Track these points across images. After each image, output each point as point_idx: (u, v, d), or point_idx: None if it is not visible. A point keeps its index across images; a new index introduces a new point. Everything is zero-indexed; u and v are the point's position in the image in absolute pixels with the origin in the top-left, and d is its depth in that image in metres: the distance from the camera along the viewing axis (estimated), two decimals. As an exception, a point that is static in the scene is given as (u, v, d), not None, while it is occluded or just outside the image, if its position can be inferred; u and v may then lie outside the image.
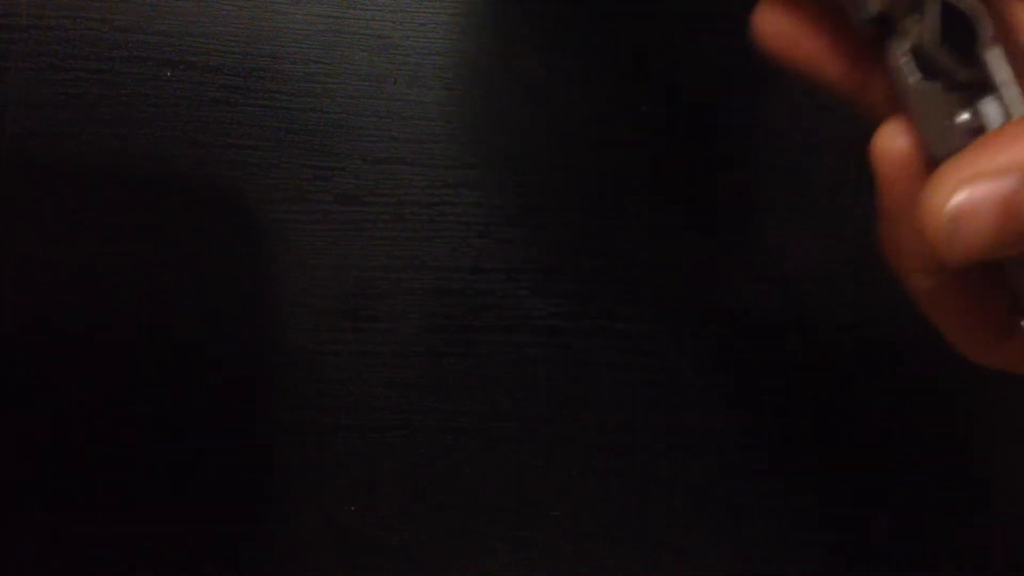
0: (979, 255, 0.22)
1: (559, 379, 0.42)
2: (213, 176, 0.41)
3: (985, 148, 0.23)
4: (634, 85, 0.43)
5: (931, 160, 0.24)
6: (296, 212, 0.41)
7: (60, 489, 0.40)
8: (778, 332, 0.42)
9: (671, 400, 0.42)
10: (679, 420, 0.42)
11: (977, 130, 0.24)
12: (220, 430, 0.41)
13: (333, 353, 0.41)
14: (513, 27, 0.43)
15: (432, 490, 0.41)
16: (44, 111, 0.41)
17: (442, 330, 0.42)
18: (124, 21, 0.42)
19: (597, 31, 0.43)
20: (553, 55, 0.43)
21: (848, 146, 0.43)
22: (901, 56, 0.24)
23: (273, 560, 0.41)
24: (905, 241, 0.25)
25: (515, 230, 0.42)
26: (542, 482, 0.41)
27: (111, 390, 0.41)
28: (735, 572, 0.42)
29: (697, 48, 0.44)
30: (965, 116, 0.24)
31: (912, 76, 0.24)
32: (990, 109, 0.24)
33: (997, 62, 0.23)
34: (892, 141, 0.24)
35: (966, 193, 0.22)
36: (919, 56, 0.24)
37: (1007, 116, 0.23)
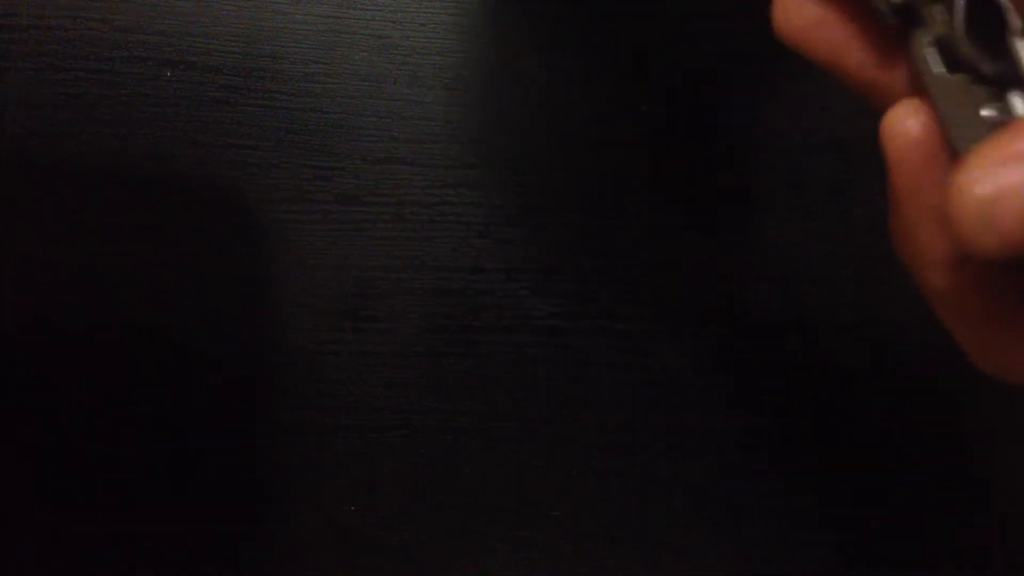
0: (1014, 242, 0.20)
1: (559, 379, 0.42)
2: (213, 176, 0.41)
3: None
4: (634, 85, 0.43)
5: (953, 154, 0.23)
6: (296, 212, 0.41)
7: (60, 489, 0.40)
8: (778, 332, 0.42)
9: (671, 400, 0.42)
10: (679, 420, 0.42)
11: (1004, 125, 0.22)
12: (220, 430, 0.41)
13: (333, 353, 0.41)
14: (513, 27, 0.43)
15: (432, 490, 0.41)
16: (44, 111, 0.41)
17: (442, 330, 0.42)
18: (124, 21, 0.42)
19: (597, 31, 0.43)
20: (553, 55, 0.43)
21: (848, 146, 0.43)
22: (925, 47, 0.23)
23: (273, 560, 0.41)
24: (919, 233, 0.24)
25: (515, 230, 0.42)
26: (542, 482, 0.41)
27: (111, 390, 0.40)
28: (735, 572, 0.42)
29: (697, 48, 0.44)
30: (991, 110, 0.22)
31: (936, 67, 0.23)
32: (1019, 103, 0.22)
33: None
34: (904, 121, 0.23)
35: (1003, 173, 0.20)
36: (944, 47, 0.23)
37: None
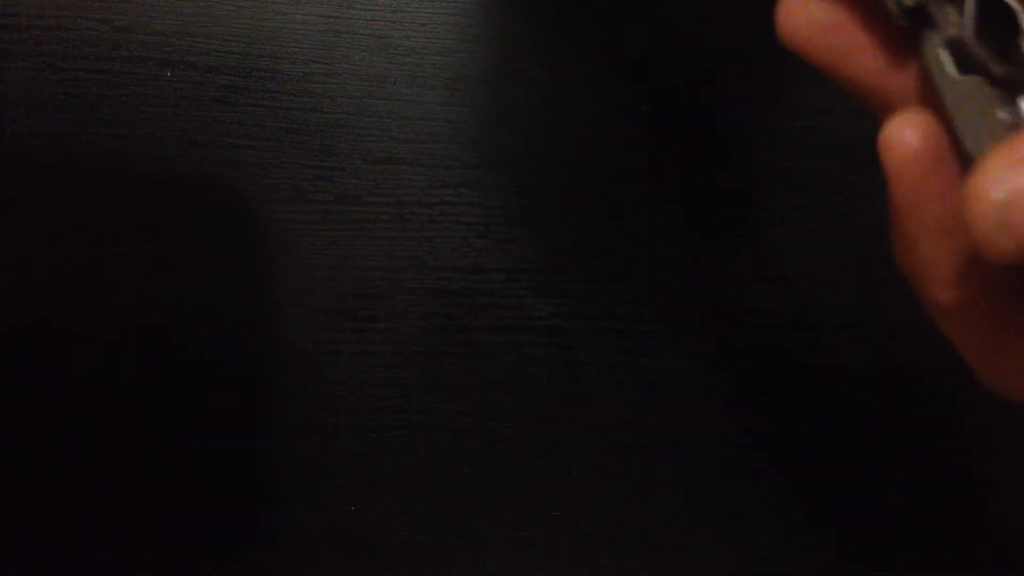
0: None
1: (559, 379, 0.42)
2: (213, 176, 0.41)
3: None
4: (634, 85, 0.43)
5: (965, 160, 0.22)
6: (296, 212, 0.41)
7: (60, 489, 0.40)
8: (778, 332, 0.42)
9: (671, 400, 0.42)
10: (679, 420, 0.42)
11: (1018, 128, 0.22)
12: (220, 430, 0.41)
13: (333, 353, 0.41)
14: (513, 27, 0.43)
15: (432, 490, 0.41)
16: (44, 111, 0.41)
17: (442, 330, 0.42)
18: (124, 21, 0.42)
19: (597, 31, 0.43)
20: (553, 55, 0.43)
21: (848, 146, 0.43)
22: (937, 49, 0.23)
23: (273, 560, 0.41)
24: (922, 247, 0.23)
25: (515, 230, 0.42)
26: (542, 482, 0.41)
27: (111, 390, 0.40)
28: (735, 572, 0.42)
29: (697, 48, 0.44)
30: (1005, 113, 0.22)
31: (948, 70, 0.23)
32: None
33: None
34: (902, 132, 0.23)
35: (1020, 176, 0.19)
36: (955, 49, 0.23)
37: None
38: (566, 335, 0.42)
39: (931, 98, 0.23)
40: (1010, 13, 0.22)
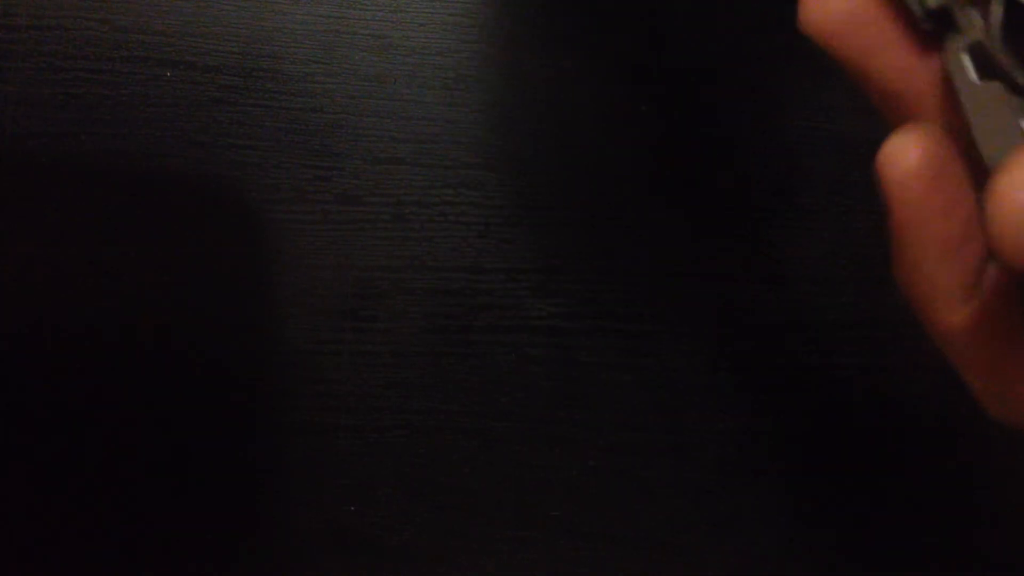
0: None
1: (559, 379, 0.42)
2: (213, 176, 0.41)
3: None
4: (634, 85, 0.43)
5: (980, 167, 0.22)
6: (296, 212, 0.41)
7: (60, 489, 0.40)
8: (778, 332, 0.42)
9: (671, 400, 0.42)
10: (679, 420, 0.42)
11: None
12: (220, 430, 0.41)
13: (333, 353, 0.41)
14: (514, 27, 0.43)
15: (432, 490, 0.41)
16: (44, 111, 0.41)
17: (442, 330, 0.42)
18: (124, 21, 0.42)
19: (597, 31, 0.43)
20: (553, 55, 0.43)
21: (848, 146, 0.43)
22: (959, 53, 0.22)
23: (273, 560, 0.41)
24: (925, 266, 0.22)
25: (515, 230, 0.42)
26: (542, 482, 0.41)
27: (111, 390, 0.40)
28: (735, 572, 0.42)
29: (697, 48, 0.44)
30: None
31: (969, 75, 0.22)
32: None
33: None
34: (904, 149, 0.22)
35: None
36: (978, 55, 0.22)
37: None
38: (566, 335, 0.42)
39: (948, 102, 0.23)
40: None
